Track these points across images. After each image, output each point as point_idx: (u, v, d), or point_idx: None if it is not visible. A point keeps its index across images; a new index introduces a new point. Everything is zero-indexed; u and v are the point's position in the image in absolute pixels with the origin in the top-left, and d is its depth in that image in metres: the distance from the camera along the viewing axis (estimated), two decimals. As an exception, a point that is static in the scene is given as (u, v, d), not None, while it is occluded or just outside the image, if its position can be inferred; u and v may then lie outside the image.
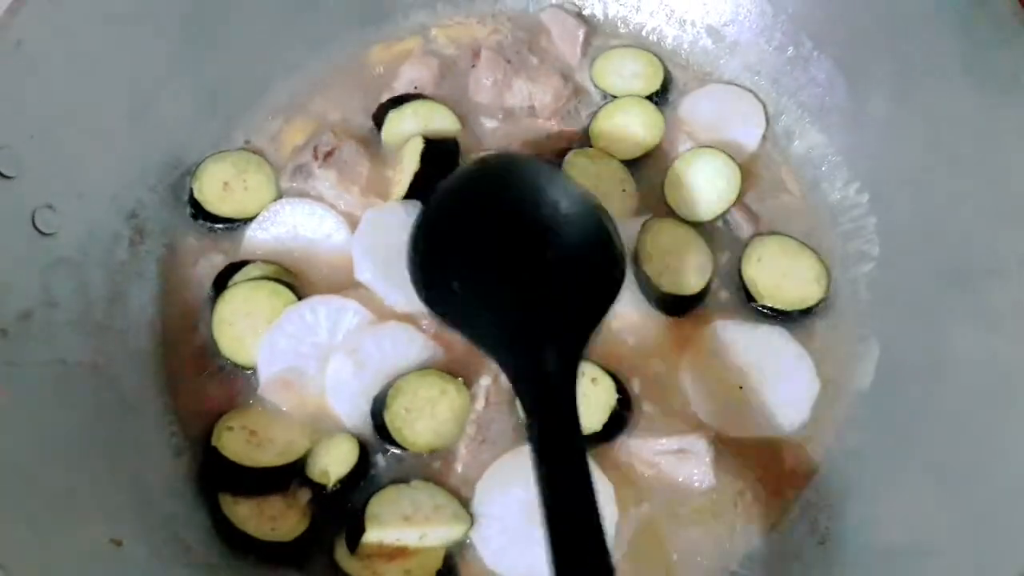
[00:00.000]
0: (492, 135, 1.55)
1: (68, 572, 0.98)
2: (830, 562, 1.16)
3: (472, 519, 1.18)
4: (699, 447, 1.22)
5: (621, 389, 1.24)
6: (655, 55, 1.63)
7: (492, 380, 1.26)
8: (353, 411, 1.25)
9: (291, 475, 1.22)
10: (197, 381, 1.32)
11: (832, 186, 1.49)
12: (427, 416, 1.22)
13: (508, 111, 1.58)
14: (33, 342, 1.13)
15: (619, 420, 1.23)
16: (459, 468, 1.22)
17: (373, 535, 1.14)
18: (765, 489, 1.25)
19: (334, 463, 1.21)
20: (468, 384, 1.26)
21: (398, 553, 1.16)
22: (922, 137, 1.33)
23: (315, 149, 1.46)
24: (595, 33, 1.69)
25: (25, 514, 0.98)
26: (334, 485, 1.20)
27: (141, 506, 1.12)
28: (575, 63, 1.65)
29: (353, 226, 1.40)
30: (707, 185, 1.44)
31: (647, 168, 1.50)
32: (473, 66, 1.60)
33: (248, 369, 1.30)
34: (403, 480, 1.22)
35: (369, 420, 1.24)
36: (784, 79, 1.57)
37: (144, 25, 1.36)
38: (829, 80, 1.50)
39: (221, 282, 1.35)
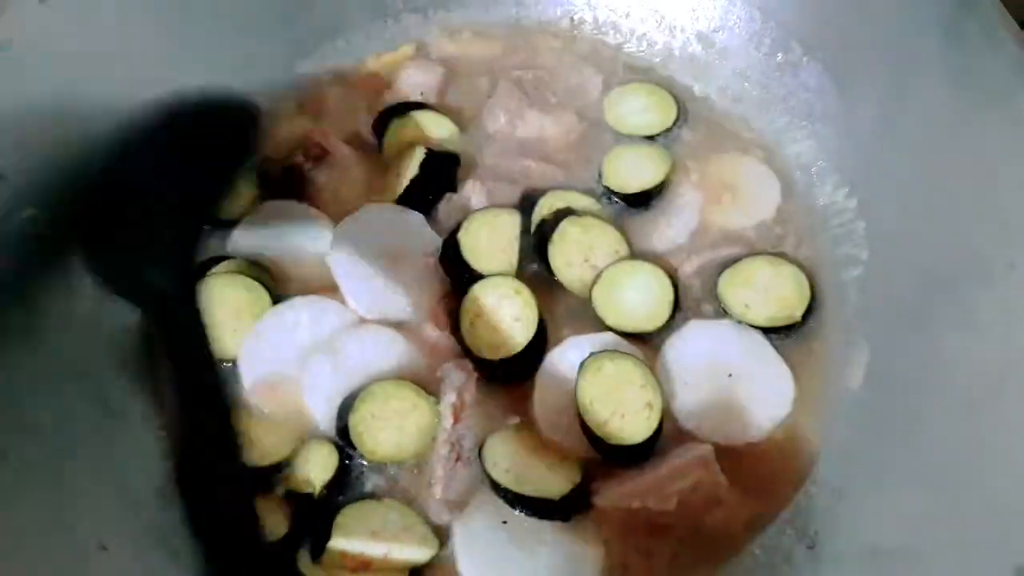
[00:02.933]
0: (494, 158, 1.53)
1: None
2: (819, 566, 1.15)
3: (439, 544, 1.18)
4: (705, 451, 1.21)
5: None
6: (666, 90, 1.60)
7: (457, 396, 1.24)
8: (329, 412, 1.25)
9: (273, 477, 1.21)
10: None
11: (821, 191, 1.49)
12: (393, 427, 1.21)
13: (519, 141, 1.56)
14: (19, 345, 1.13)
15: (577, 499, 1.20)
16: (438, 491, 1.20)
17: (338, 544, 1.14)
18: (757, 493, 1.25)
19: (316, 470, 1.21)
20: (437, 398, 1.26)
21: (361, 566, 1.15)
22: (911, 142, 1.34)
23: (307, 150, 1.46)
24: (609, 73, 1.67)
25: (10, 517, 0.97)
26: (320, 492, 1.20)
27: (127, 510, 1.12)
28: (592, 101, 1.63)
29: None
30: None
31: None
32: (489, 96, 1.60)
33: (226, 362, 1.30)
34: (376, 496, 1.22)
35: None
36: (773, 85, 1.58)
37: (133, 29, 1.37)
38: (818, 86, 1.51)
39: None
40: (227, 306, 1.29)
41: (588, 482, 1.22)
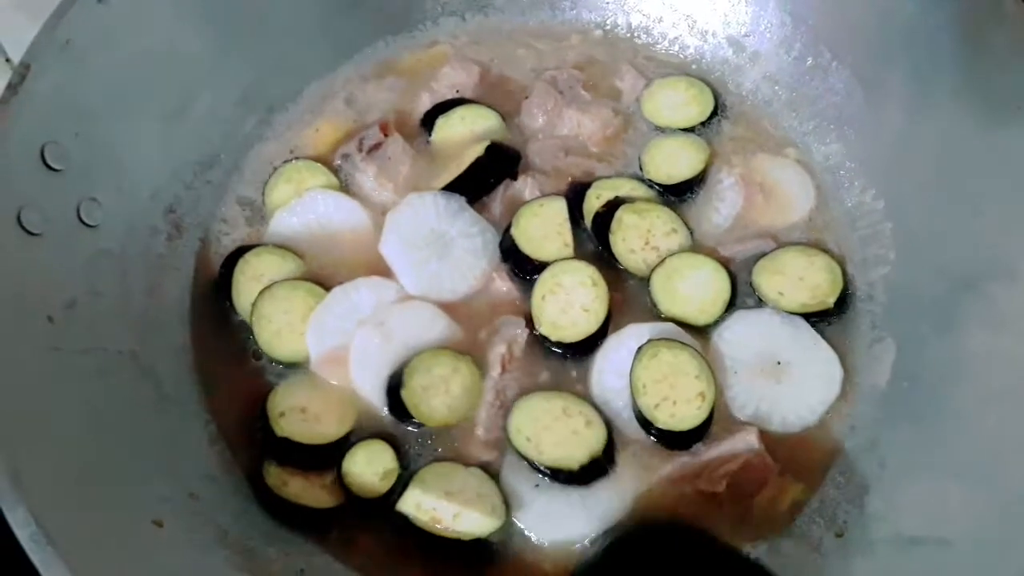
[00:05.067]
0: (537, 156, 1.56)
1: (113, 549, 1.01)
2: (847, 554, 1.18)
3: (507, 516, 1.21)
4: (752, 434, 1.25)
5: (611, 440, 1.26)
6: (702, 80, 1.64)
7: (506, 348, 1.31)
8: (376, 383, 1.29)
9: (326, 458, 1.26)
10: (229, 372, 1.35)
11: (849, 193, 1.52)
12: (442, 392, 1.27)
13: (559, 138, 1.59)
14: (77, 330, 1.17)
15: (597, 468, 1.23)
16: (480, 432, 1.27)
17: (414, 496, 1.19)
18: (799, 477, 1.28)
19: (382, 476, 1.24)
20: (481, 356, 1.32)
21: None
22: (937, 145, 1.37)
23: (360, 141, 1.51)
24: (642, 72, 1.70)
25: (72, 493, 1.01)
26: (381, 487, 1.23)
27: (179, 491, 1.16)
28: (628, 101, 1.66)
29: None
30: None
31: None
32: (526, 98, 1.63)
33: (283, 364, 1.34)
34: (461, 462, 1.25)
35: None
36: (803, 88, 1.61)
37: (185, 27, 1.42)
38: (847, 90, 1.54)
39: (229, 265, 1.40)
40: (292, 312, 1.35)
41: (611, 448, 1.25)
